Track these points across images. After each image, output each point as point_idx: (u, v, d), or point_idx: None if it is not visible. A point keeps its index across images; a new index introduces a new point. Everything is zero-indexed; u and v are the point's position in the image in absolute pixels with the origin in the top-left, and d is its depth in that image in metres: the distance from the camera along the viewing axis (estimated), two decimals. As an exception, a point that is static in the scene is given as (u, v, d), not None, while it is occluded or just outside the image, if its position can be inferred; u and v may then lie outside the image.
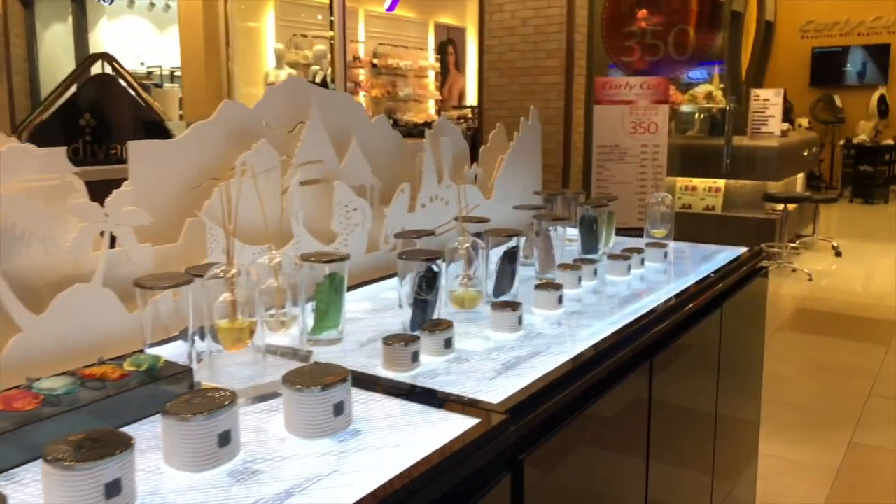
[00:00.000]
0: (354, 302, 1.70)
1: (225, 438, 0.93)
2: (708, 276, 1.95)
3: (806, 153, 7.71)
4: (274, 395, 1.11)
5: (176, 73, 10.29)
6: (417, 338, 1.26)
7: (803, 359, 4.28)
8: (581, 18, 6.69)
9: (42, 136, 3.74)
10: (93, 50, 11.69)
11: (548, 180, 7.15)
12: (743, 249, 2.31)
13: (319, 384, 0.99)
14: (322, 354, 1.33)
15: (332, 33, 9.24)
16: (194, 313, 1.16)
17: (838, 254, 7.05)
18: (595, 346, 1.38)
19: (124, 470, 0.82)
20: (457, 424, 1.04)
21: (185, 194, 1.57)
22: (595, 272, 1.91)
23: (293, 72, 9.16)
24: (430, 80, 12.91)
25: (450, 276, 1.59)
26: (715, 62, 8.51)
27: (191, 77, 8.91)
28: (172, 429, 0.92)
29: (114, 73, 3.91)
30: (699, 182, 6.84)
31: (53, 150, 1.34)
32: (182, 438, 0.92)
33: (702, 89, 7.15)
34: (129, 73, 4.00)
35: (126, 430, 1.04)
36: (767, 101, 6.83)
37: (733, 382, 2.13)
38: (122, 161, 1.55)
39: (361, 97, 11.44)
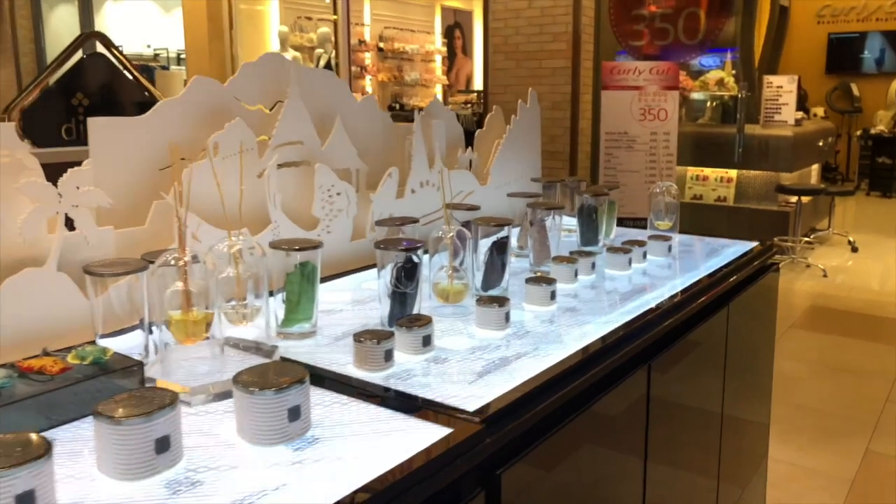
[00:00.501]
0: (335, 292, 1.60)
1: (163, 444, 0.83)
2: (714, 273, 1.83)
3: (821, 143, 7.54)
4: (230, 394, 1.01)
5: (182, 56, 10.18)
6: (392, 334, 1.15)
7: (816, 359, 4.15)
8: (588, 1, 6.53)
9: (33, 116, 3.65)
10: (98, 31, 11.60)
11: (554, 167, 7.04)
12: (753, 244, 2.19)
13: (273, 385, 0.89)
14: (292, 349, 1.23)
15: (336, 16, 9.11)
16: (149, 303, 1.06)
17: (854, 249, 6.89)
18: (586, 348, 1.27)
19: (39, 480, 0.72)
20: (427, 434, 0.94)
21: (154, 175, 1.46)
22: (593, 266, 1.79)
23: (297, 55, 9.04)
24: (438, 64, 12.75)
25: (434, 268, 1.48)
26: (727, 48, 8.32)
27: (195, 60, 8.81)
28: (104, 432, 0.82)
29: (107, 53, 3.80)
30: (710, 172, 6.69)
31: (1, 125, 1.24)
32: (114, 443, 0.82)
33: (713, 76, 6.98)
34: (123, 54, 3.89)
35: (65, 429, 0.94)
36: (781, 88, 6.66)
37: (740, 385, 2.01)
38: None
39: (368, 81, 11.31)
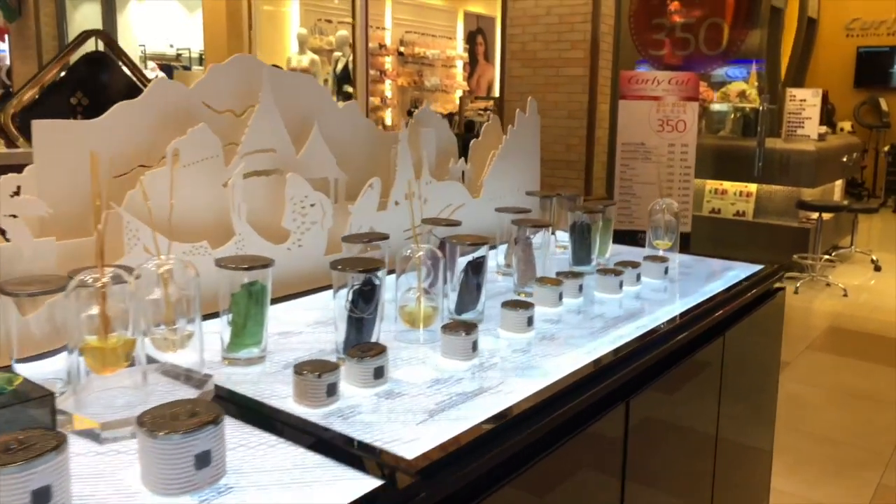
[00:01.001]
0: (301, 311, 1.51)
1: (43, 496, 0.74)
2: (710, 299, 1.71)
3: (845, 159, 7.33)
4: (151, 432, 0.92)
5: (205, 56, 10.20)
6: (336, 367, 1.05)
7: (832, 384, 3.99)
8: (607, 8, 6.41)
9: (32, 114, 3.61)
10: (121, 31, 11.67)
11: (570, 178, 6.92)
12: (759, 266, 2.06)
13: (179, 428, 0.79)
14: (234, 377, 1.14)
15: (353, 20, 9.06)
16: (69, 327, 0.97)
17: (877, 268, 6.69)
18: (555, 384, 1.16)
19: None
20: (354, 486, 0.83)
21: (109, 182, 1.38)
22: (580, 288, 1.68)
23: (316, 57, 9.00)
24: (459, 70, 12.66)
25: (402, 289, 1.38)
26: (752, 60, 8.15)
27: (213, 60, 8.81)
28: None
29: (108, 52, 3.75)
30: (730, 186, 6.53)
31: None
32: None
33: (734, 87, 6.82)
34: (125, 53, 3.84)
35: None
36: (804, 101, 6.48)
37: (739, 420, 1.89)
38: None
39: (387, 85, 11.25)
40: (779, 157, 6.23)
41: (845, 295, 5.76)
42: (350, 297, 1.18)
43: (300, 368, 1.03)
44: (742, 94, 6.74)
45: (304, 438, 0.93)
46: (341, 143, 1.84)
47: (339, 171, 1.80)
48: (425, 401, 1.07)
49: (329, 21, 9.94)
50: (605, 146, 6.73)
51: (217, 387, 1.06)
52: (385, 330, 1.39)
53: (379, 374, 1.11)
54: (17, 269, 1.19)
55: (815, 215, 6.07)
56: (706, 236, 6.15)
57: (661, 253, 2.03)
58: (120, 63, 3.76)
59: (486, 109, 10.00)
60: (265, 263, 1.18)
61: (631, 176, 6.17)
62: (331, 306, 1.52)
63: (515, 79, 7.02)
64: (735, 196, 6.42)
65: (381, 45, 11.12)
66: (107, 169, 1.37)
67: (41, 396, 0.92)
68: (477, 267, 1.46)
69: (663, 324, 1.51)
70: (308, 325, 1.42)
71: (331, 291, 1.60)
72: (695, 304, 1.67)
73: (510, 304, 1.43)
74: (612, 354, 1.32)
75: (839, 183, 7.48)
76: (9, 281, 1.02)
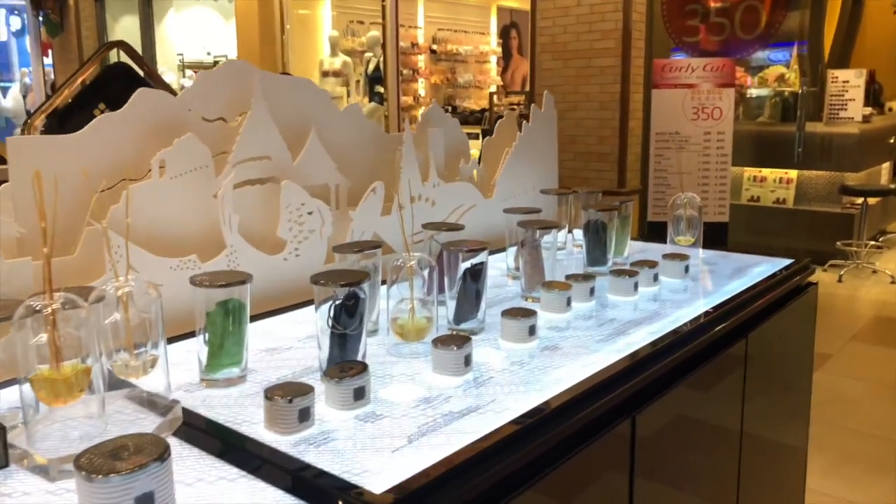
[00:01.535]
0: (294, 325, 1.45)
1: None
2: (731, 299, 1.61)
3: (893, 140, 7.04)
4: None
5: (235, 62, 10.28)
6: (311, 390, 0.99)
7: (877, 377, 3.81)
8: (637, -4, 6.25)
9: (56, 125, 3.64)
10: (160, 41, 11.85)
11: (603, 170, 6.77)
12: (787, 261, 1.94)
13: (119, 469, 0.74)
14: (211, 399, 1.09)
15: (383, 21, 9.03)
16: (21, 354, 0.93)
17: (927, 252, 6.42)
18: (548, 402, 1.08)
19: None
20: (315, 523, 0.77)
21: (90, 197, 1.34)
22: (591, 291, 1.59)
23: (348, 59, 9.00)
24: (492, 65, 12.55)
25: (394, 300, 1.31)
26: (794, 43, 7.88)
27: (245, 65, 8.88)
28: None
29: (130, 63, 3.76)
30: (769, 173, 6.31)
31: None
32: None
33: (772, 71, 6.59)
34: (146, 63, 3.85)
35: None
36: (847, 83, 6.23)
37: (765, 422, 1.78)
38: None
39: (420, 84, 11.21)
40: (820, 141, 6.00)
41: (893, 282, 5.52)
42: (331, 313, 1.12)
43: (271, 392, 0.97)
44: (781, 78, 6.51)
45: (266, 472, 0.87)
46: (343, 147, 1.78)
47: (340, 177, 1.74)
48: (408, 424, 1.01)
49: (361, 22, 9.93)
50: (638, 137, 6.57)
51: (187, 412, 1.01)
52: (378, 343, 1.33)
53: (360, 395, 1.05)
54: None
55: (859, 200, 5.83)
56: (744, 226, 5.96)
57: (682, 250, 1.92)
58: (141, 73, 3.77)
59: (518, 104, 9.88)
60: (242, 280, 1.12)
61: (665, 166, 6.02)
62: (327, 318, 1.47)
63: (546, 71, 6.89)
64: (775, 183, 6.21)
65: (414, 44, 11.08)
66: (83, 184, 1.33)
67: (-6, 429, 0.88)
68: (476, 274, 1.38)
69: (678, 328, 1.41)
70: (300, 339, 1.36)
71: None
72: (715, 304, 1.57)
73: (511, 313, 1.35)
74: (618, 365, 1.23)
75: (886, 165, 7.19)
76: (-31, 307, 0.98)
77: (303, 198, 1.60)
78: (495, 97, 10.93)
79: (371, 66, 8.90)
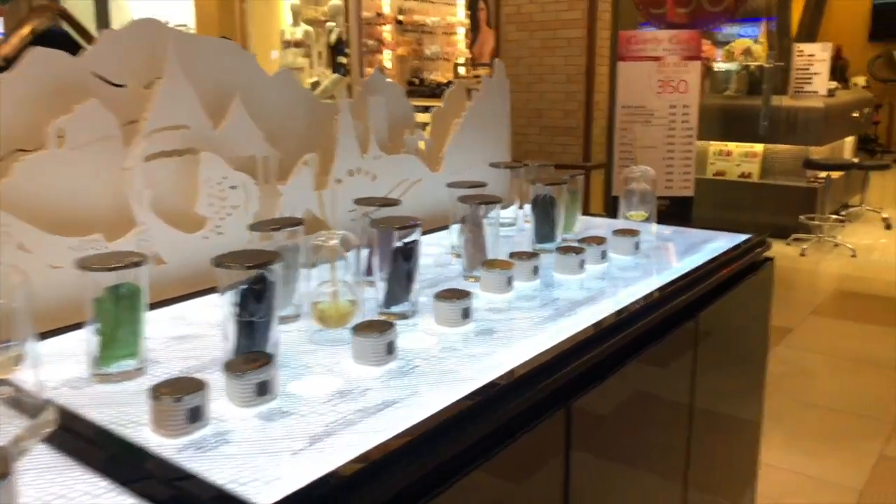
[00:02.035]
0: (210, 310, 1.33)
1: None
2: (682, 277, 1.53)
3: (856, 115, 7.04)
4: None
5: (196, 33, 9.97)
6: (202, 387, 0.88)
7: (836, 350, 3.79)
8: (603, -35, 6.13)
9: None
10: (115, 10, 11.46)
11: (569, 144, 6.68)
12: (744, 236, 1.87)
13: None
14: (102, 396, 0.98)
15: (346, -13, 8.79)
16: None
17: (888, 226, 6.44)
18: (474, 393, 0.98)
19: None
20: (187, 543, 0.67)
21: (-19, 171, 1.21)
22: (535, 270, 1.50)
23: (310, 29, 8.76)
24: (460, 37, 12.34)
25: (316, 284, 1.21)
26: (760, 18, 7.82)
27: (205, 34, 8.60)
28: None
29: (67, 30, 3.57)
30: (734, 147, 6.27)
31: None
32: None
33: (739, 44, 6.52)
34: (86, 31, 3.66)
35: None
36: (813, 56, 6.19)
37: (716, 400, 1.72)
38: None
39: (386, 55, 10.99)
40: (785, 115, 5.97)
41: (854, 256, 5.53)
42: (238, 299, 1.01)
43: (157, 390, 0.87)
44: (747, 52, 6.46)
45: (140, 484, 0.77)
46: (273, 116, 1.66)
47: (268, 148, 1.62)
48: (315, 421, 0.91)
49: (323, -10, 9.66)
50: (604, 111, 6.47)
51: (65, 413, 0.90)
52: (300, 329, 1.23)
53: (264, 389, 0.95)
54: None
55: (823, 174, 5.82)
56: (710, 200, 5.92)
57: (634, 225, 1.84)
58: (76, 38, 3.58)
59: (478, 77, 9.70)
60: (135, 261, 1.01)
61: (631, 140, 5.95)
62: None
63: (511, 43, 6.76)
64: (740, 157, 6.18)
65: (379, 14, 10.83)
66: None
67: None
68: (407, 253, 1.28)
69: (623, 308, 1.33)
70: (215, 326, 1.25)
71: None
72: (664, 283, 1.49)
73: (445, 295, 1.26)
74: (554, 350, 1.14)
75: (850, 140, 7.20)
76: None
77: (225, 171, 1.48)
78: (462, 69, 10.76)
79: (333, 37, 8.68)
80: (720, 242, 1.82)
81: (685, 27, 5.96)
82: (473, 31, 12.68)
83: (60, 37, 3.57)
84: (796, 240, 5.80)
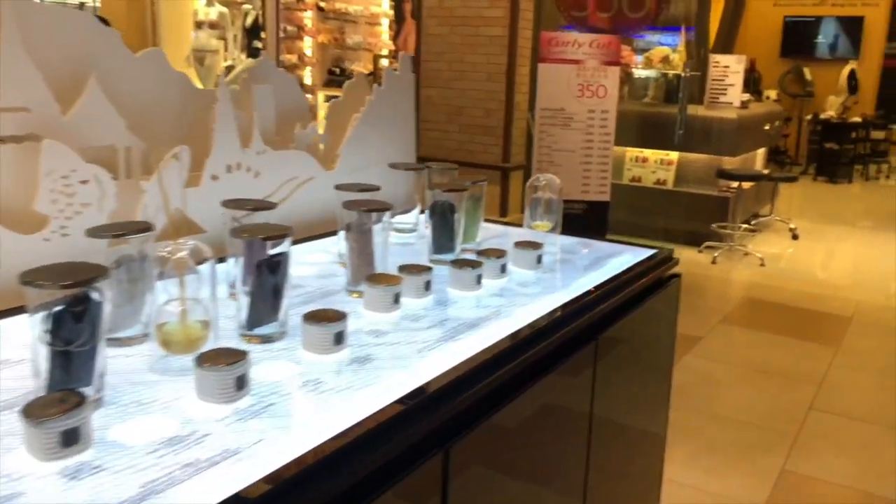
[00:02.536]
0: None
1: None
2: (583, 296, 1.42)
3: (768, 127, 7.22)
4: None
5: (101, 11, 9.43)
6: (-20, 436, 0.71)
7: (744, 360, 3.82)
8: (525, -37, 6.08)
9: None
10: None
11: (488, 144, 6.61)
12: (651, 251, 1.78)
13: None
14: None
15: (262, -31, 8.47)
16: None
17: (795, 236, 6.63)
18: (336, 437, 0.84)
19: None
20: None
21: None
22: (427, 285, 1.37)
23: (224, 10, 8.39)
24: (384, 28, 12.14)
25: (166, 303, 1.03)
26: (683, 27, 7.94)
27: (111, 16, 8.08)
28: None
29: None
30: (651, 154, 6.33)
31: None
32: None
33: (657, 52, 6.59)
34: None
35: None
36: (728, 68, 6.30)
37: (616, 423, 1.63)
38: None
39: (307, 43, 10.68)
40: (700, 124, 6.05)
41: (762, 265, 5.65)
42: (48, 325, 0.84)
43: (-84, 442, 0.69)
44: (665, 60, 6.52)
45: None
46: (139, 101, 1.47)
47: (131, 138, 1.43)
48: (130, 481, 0.74)
49: (240, -29, 9.29)
50: (524, 112, 6.43)
51: None
52: (143, 354, 1.05)
53: (71, 438, 0.78)
54: None
55: (735, 184, 5.93)
56: (625, 205, 5.94)
57: (538, 237, 1.73)
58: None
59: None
60: (-84, 274, 0.81)
61: (550, 143, 5.91)
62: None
63: (433, 37, 6.63)
64: (656, 164, 6.24)
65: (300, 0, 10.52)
66: None
67: None
68: (274, 267, 1.12)
69: (517, 332, 1.21)
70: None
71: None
72: (565, 302, 1.38)
73: (315, 316, 1.10)
74: (434, 384, 1.01)
75: (761, 151, 7.39)
76: None
77: (73, 162, 1.29)
78: (386, 61, 10.56)
79: (250, 19, 8.35)
80: (626, 257, 1.73)
81: (606, 32, 5.96)
82: (398, 22, 12.48)
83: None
84: (708, 247, 5.88)
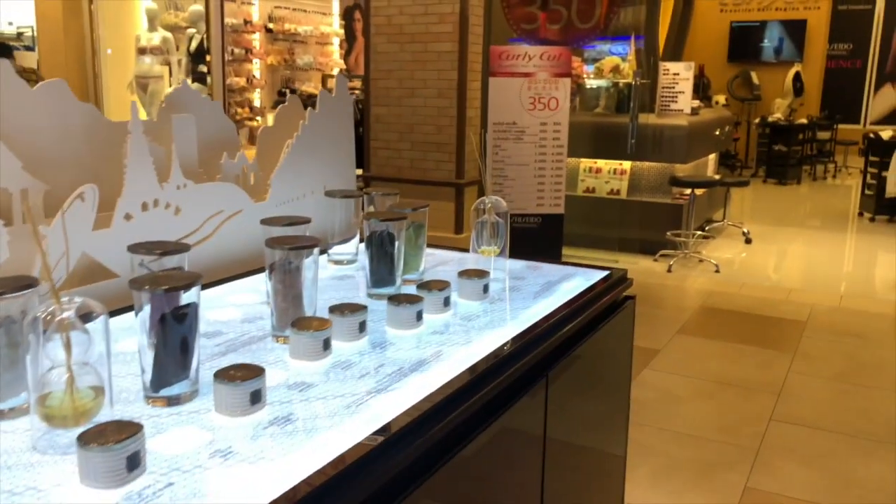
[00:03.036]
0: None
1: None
2: (531, 329, 1.33)
3: (718, 132, 7.28)
4: None
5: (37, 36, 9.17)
6: None
7: (702, 372, 3.77)
8: (471, -22, 6.05)
9: None
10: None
11: (441, 160, 6.53)
12: (603, 273, 1.70)
13: None
14: None
15: (205, -9, 8.31)
16: None
17: (748, 241, 6.66)
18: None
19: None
20: None
21: None
22: (362, 326, 1.26)
23: (168, 35, 8.22)
24: (335, 48, 12.04)
25: (44, 366, 0.91)
26: (632, 36, 7.99)
27: (48, 39, 7.86)
28: None
29: None
30: (604, 164, 6.31)
31: None
32: None
33: (608, 62, 6.59)
34: None
35: None
36: (678, 75, 6.32)
37: (568, 459, 1.53)
38: None
39: (256, 65, 10.52)
40: (652, 132, 6.05)
41: (717, 271, 5.65)
42: None
43: None
44: (616, 69, 6.52)
45: None
46: (38, 138, 1.34)
47: (28, 179, 1.30)
48: None
49: (184, -6, 9.13)
50: (477, 127, 6.37)
51: None
52: (27, 429, 0.92)
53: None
54: None
55: (687, 191, 5.93)
56: (580, 217, 5.91)
57: (484, 264, 1.63)
58: None
59: (352, 90, 9.47)
60: None
61: (503, 157, 5.86)
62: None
63: (382, 55, 6.55)
64: (609, 174, 6.22)
65: (247, 21, 10.36)
66: None
67: None
68: (180, 319, 1.00)
69: (453, 381, 1.10)
70: (-89, 424, 0.93)
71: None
72: (513, 336, 1.28)
73: (227, 374, 0.99)
74: (360, 449, 0.90)
75: (712, 157, 7.44)
76: None
77: (-44, 210, 1.15)
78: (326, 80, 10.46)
79: (194, 43, 8.18)
80: (577, 280, 1.64)
81: (556, 43, 5.94)
82: (349, 41, 12.42)
83: None
84: (663, 256, 5.87)
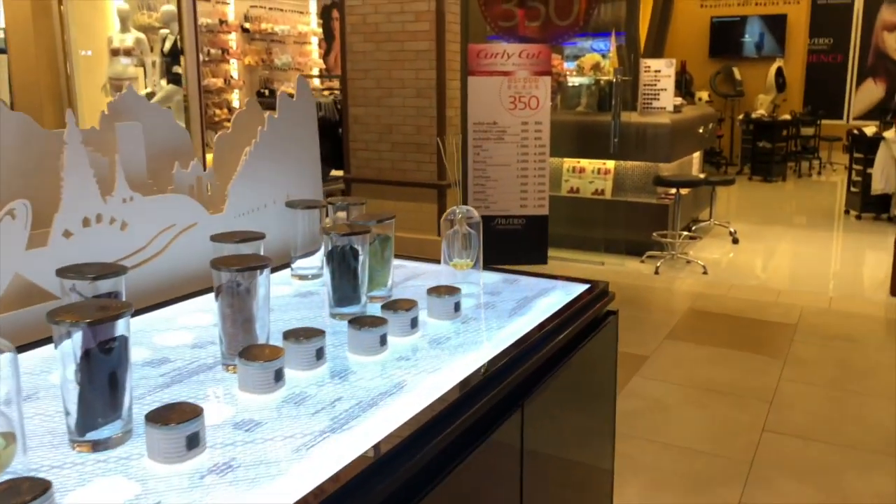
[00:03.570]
0: None
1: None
2: (506, 352, 1.22)
3: (702, 130, 7.21)
4: None
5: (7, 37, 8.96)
6: None
7: (692, 379, 3.67)
8: (447, -26, 5.93)
9: None
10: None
11: (422, 162, 6.42)
12: (583, 286, 1.60)
13: None
14: None
15: (179, -9, 8.14)
16: None
17: (735, 240, 6.59)
18: None
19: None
20: None
21: None
22: (319, 353, 1.15)
23: (142, 36, 8.03)
24: (314, 47, 11.89)
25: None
26: (614, 33, 7.92)
27: (18, 41, 7.66)
28: None
29: None
30: (588, 164, 6.22)
31: None
32: None
33: (588, 59, 6.50)
34: None
35: None
36: (659, 72, 6.24)
37: (554, 483, 1.43)
38: None
39: (233, 65, 10.36)
40: (635, 131, 5.97)
41: (705, 272, 5.57)
42: None
43: None
44: (597, 67, 6.44)
45: None
46: (-37, 150, 1.22)
47: (-49, 196, 1.18)
48: None
49: (158, -6, 8.94)
50: (457, 127, 6.26)
51: None
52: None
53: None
54: None
55: (673, 191, 5.85)
56: (564, 218, 5.82)
57: (456, 279, 1.53)
58: None
59: (330, 89, 9.37)
60: None
61: (485, 158, 5.76)
62: None
63: (358, 55, 6.42)
64: (593, 174, 6.13)
65: (223, 21, 10.20)
66: None
67: None
68: (108, 353, 0.89)
69: (417, 417, 1.00)
70: None
71: None
72: (486, 361, 1.18)
73: (161, 415, 0.88)
74: (309, 500, 0.79)
75: (697, 155, 7.37)
76: None
77: None
78: (318, 81, 10.32)
79: (168, 44, 8.01)
80: (557, 295, 1.54)
81: (535, 41, 5.84)
82: (327, 40, 12.28)
83: None
84: (650, 257, 5.79)
